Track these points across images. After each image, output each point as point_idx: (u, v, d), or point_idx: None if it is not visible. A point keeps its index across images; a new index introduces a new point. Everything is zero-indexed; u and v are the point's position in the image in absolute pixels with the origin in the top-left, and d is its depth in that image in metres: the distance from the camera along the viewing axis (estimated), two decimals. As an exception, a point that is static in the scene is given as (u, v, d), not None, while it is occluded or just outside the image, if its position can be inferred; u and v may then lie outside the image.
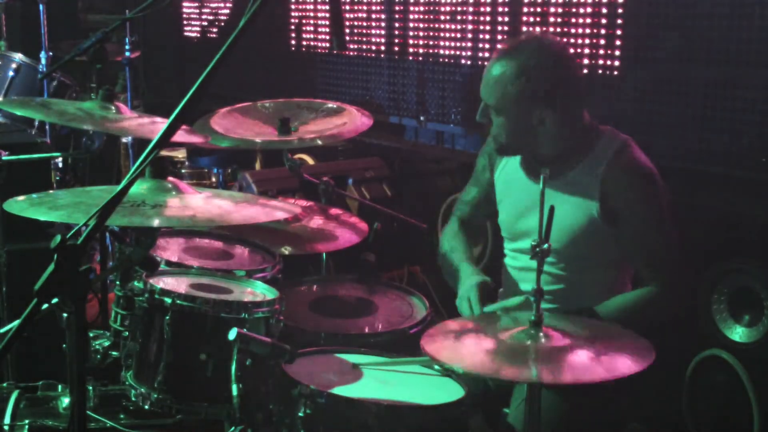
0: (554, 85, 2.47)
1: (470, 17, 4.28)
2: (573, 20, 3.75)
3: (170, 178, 2.37)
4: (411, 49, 4.65)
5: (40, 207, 2.17)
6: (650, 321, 2.47)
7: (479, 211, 2.88)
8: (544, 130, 2.51)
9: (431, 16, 4.50)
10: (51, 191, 2.58)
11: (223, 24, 6.24)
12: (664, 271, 2.51)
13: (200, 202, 2.32)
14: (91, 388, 2.41)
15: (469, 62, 4.26)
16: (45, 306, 1.53)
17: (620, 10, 3.52)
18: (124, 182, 1.58)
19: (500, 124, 2.54)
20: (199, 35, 6.48)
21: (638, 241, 2.51)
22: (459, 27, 4.34)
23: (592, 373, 1.89)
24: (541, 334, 1.99)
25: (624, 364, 1.91)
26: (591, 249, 2.55)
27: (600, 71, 3.64)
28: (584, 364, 1.92)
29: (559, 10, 3.82)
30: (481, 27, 4.20)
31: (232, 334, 2.04)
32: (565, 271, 2.57)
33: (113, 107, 2.91)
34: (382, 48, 4.82)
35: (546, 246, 1.99)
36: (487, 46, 4.17)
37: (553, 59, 2.49)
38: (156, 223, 2.07)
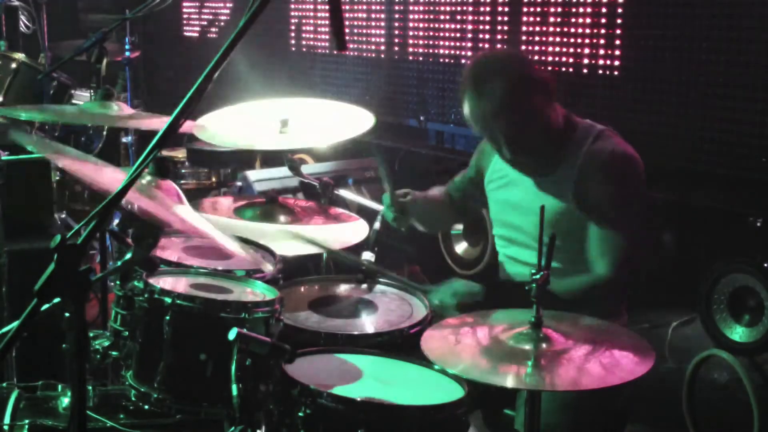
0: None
1: (470, 17, 4.28)
2: (573, 20, 3.75)
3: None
4: (411, 49, 4.65)
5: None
6: (580, 300, 2.48)
7: (464, 195, 3.02)
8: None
9: (431, 16, 4.50)
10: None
11: (223, 24, 6.24)
12: (607, 260, 2.50)
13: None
14: (91, 388, 2.41)
15: (469, 62, 4.26)
16: (45, 306, 1.53)
17: (620, 10, 3.52)
18: (124, 182, 1.57)
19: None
20: (199, 35, 6.48)
21: (597, 223, 2.50)
22: (459, 27, 4.34)
23: (594, 379, 1.90)
24: (541, 335, 2.00)
25: (625, 369, 1.91)
26: (574, 242, 2.53)
27: (600, 71, 3.64)
28: (585, 369, 1.92)
29: (559, 9, 3.82)
30: (481, 27, 4.20)
31: (232, 334, 2.04)
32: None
33: (114, 106, 2.91)
34: (382, 48, 4.82)
35: (541, 275, 1.99)
36: (487, 46, 4.17)
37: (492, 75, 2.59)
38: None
